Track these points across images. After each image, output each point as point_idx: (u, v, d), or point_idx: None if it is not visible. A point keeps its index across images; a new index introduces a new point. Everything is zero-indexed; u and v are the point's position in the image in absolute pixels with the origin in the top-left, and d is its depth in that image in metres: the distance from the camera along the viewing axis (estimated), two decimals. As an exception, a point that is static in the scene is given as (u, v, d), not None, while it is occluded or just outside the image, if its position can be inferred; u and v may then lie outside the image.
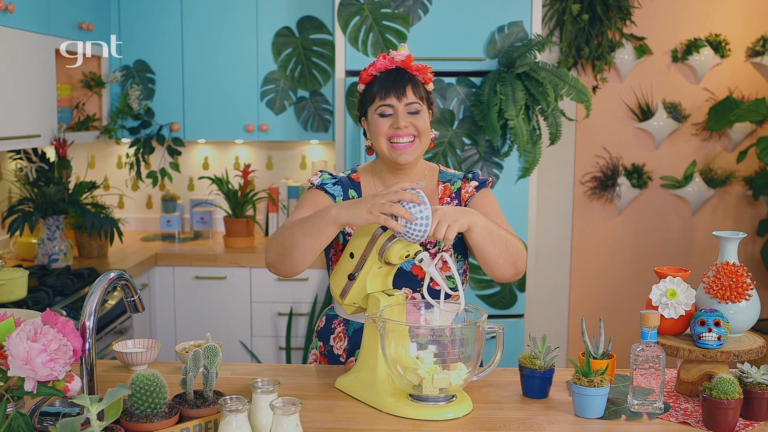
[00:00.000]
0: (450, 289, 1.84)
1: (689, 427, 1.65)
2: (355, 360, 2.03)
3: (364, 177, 2.08)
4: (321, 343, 2.10)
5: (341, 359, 2.06)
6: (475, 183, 2.05)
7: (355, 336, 2.03)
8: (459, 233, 1.85)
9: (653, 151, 4.22)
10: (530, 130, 3.36)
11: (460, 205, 2.02)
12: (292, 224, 1.87)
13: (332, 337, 2.07)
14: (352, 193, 2.05)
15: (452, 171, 2.11)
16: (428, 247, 2.02)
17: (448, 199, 2.04)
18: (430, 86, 2.04)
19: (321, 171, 2.09)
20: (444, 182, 2.07)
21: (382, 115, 1.96)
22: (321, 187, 2.03)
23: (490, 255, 1.86)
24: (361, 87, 2.04)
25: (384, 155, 1.99)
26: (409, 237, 1.71)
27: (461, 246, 2.04)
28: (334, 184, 2.04)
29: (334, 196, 2.02)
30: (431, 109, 2.05)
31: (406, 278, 2.00)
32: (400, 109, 1.95)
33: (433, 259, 1.94)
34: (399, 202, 1.71)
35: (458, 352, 1.68)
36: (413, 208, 1.70)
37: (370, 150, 2.04)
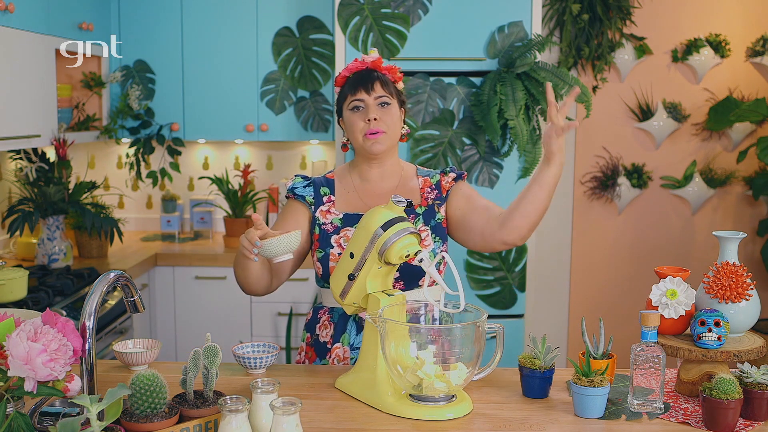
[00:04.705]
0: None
1: (689, 427, 1.65)
2: (341, 345, 2.08)
3: (339, 174, 2.19)
4: (308, 335, 2.18)
5: (327, 345, 2.11)
6: (453, 175, 2.18)
7: (341, 321, 2.09)
8: (437, 222, 2.03)
9: (653, 151, 4.22)
10: (530, 130, 3.36)
11: (441, 196, 2.14)
12: (235, 263, 2.10)
13: (318, 326, 2.14)
14: (324, 190, 2.15)
15: (428, 170, 2.23)
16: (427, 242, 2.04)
17: (429, 190, 2.15)
18: (400, 84, 2.16)
19: (296, 175, 2.21)
20: (423, 176, 2.19)
21: (354, 110, 2.08)
22: (291, 191, 2.15)
23: (543, 205, 2.00)
24: (337, 90, 2.16)
25: (359, 146, 2.10)
26: (264, 252, 1.86)
27: (440, 229, 2.11)
28: (304, 186, 2.15)
29: (303, 197, 2.13)
30: (404, 108, 2.17)
31: None
32: (370, 102, 2.07)
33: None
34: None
35: (458, 352, 1.68)
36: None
37: (344, 146, 2.16)
